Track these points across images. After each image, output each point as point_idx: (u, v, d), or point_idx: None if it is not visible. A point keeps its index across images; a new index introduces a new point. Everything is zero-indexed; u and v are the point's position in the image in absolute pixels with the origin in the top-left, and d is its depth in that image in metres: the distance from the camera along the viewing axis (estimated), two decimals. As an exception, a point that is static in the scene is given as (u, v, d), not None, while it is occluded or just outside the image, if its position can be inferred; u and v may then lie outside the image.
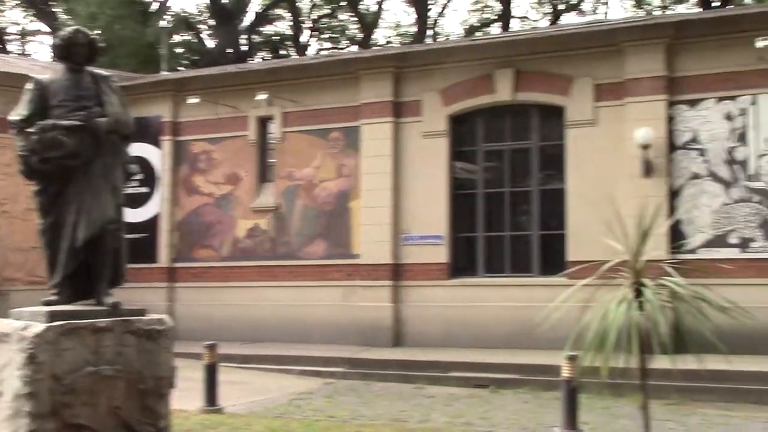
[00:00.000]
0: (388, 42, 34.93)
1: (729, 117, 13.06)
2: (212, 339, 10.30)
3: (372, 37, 33.42)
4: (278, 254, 15.92)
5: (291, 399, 10.64)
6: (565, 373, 8.04)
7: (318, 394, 11.11)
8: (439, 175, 14.78)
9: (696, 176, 13.17)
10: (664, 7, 30.84)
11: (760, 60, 12.74)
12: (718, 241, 12.93)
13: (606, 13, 32.52)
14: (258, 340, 15.37)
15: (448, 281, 14.56)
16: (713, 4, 26.80)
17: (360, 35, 33.77)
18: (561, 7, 32.44)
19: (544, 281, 13.49)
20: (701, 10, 25.75)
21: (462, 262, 14.81)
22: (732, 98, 13.04)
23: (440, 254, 14.63)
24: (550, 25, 30.24)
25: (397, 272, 14.82)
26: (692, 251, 12.87)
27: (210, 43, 33.46)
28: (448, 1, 33.35)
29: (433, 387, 11.71)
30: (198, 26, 33.36)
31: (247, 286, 15.95)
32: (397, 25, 36.17)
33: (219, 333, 14.29)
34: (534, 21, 33.31)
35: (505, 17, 32.02)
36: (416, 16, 31.70)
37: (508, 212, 14.72)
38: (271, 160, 16.45)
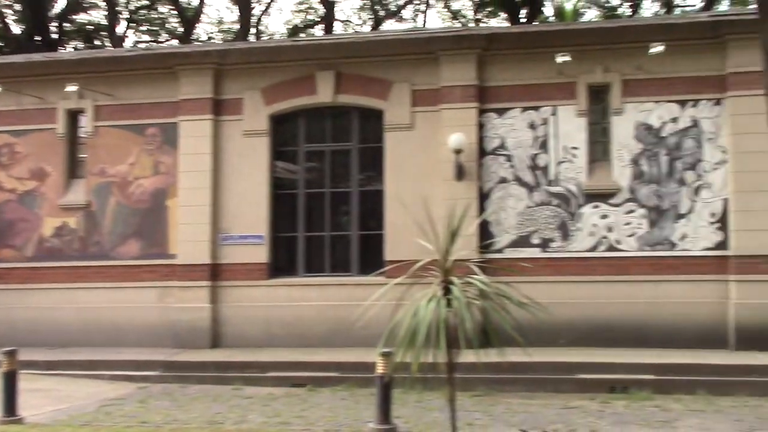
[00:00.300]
0: (209, 38, 34.19)
1: (532, 126, 14.02)
2: (15, 345, 9.72)
3: (193, 32, 32.56)
4: (89, 254, 15.16)
5: (100, 405, 10.18)
6: (379, 369, 8.27)
7: (130, 400, 10.71)
8: (259, 174, 14.71)
9: (503, 180, 14.02)
10: (478, 20, 32.50)
11: (560, 74, 13.80)
12: (522, 242, 13.84)
13: (425, 23, 33.76)
14: (66, 344, 14.53)
15: (268, 281, 14.53)
16: (521, 20, 28.55)
17: (180, 29, 32.80)
18: (382, 13, 33.28)
19: (362, 280, 13.79)
20: (510, 24, 27.38)
21: (282, 262, 14.83)
22: (535, 108, 14.02)
23: (260, 254, 14.57)
24: (372, 30, 30.92)
25: (215, 272, 14.59)
26: (499, 251, 13.70)
27: (16, 29, 31.16)
28: (272, 1, 33.15)
29: (250, 387, 11.65)
30: (2, 10, 30.95)
31: (55, 288, 15.06)
32: (220, 22, 35.50)
33: (23, 338, 13.46)
34: (356, 25, 33.97)
35: (328, 20, 32.39)
36: (239, 14, 31.27)
37: (328, 212, 14.91)
38: (81, 156, 15.64)
